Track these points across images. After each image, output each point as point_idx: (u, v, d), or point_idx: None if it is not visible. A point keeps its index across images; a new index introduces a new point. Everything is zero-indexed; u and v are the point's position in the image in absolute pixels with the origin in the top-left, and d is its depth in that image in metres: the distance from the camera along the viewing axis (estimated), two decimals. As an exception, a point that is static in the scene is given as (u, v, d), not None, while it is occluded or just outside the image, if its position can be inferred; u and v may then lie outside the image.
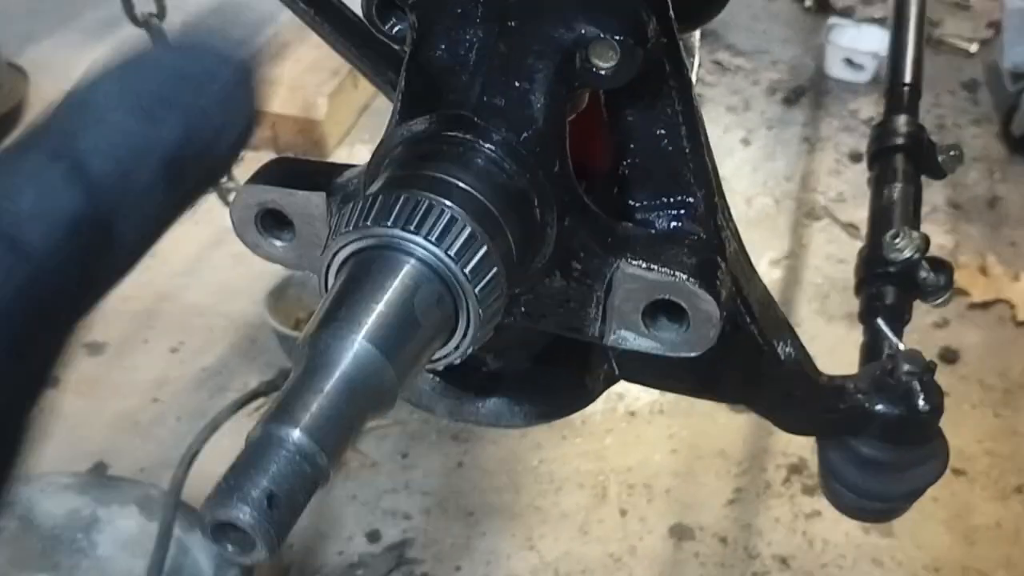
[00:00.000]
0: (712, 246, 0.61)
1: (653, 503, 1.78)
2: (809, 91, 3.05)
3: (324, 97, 2.73)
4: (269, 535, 0.39)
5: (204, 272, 2.35)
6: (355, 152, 2.79)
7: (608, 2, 0.55)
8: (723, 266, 0.59)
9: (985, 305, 2.18)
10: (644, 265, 0.57)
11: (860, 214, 2.56)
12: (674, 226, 0.61)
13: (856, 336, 2.04)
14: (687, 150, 0.61)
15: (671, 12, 0.58)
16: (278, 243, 0.64)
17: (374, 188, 0.54)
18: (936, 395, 0.69)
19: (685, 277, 0.56)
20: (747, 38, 3.24)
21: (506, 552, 1.72)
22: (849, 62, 3.08)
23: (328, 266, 0.52)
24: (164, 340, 2.15)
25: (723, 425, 1.89)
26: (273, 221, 0.63)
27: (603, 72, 0.55)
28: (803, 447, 1.85)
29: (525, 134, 0.55)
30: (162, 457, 1.85)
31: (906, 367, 0.70)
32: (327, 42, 0.90)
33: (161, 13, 1.51)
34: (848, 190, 2.63)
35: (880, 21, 3.31)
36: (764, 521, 1.74)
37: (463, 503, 1.79)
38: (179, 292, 2.27)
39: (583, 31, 0.54)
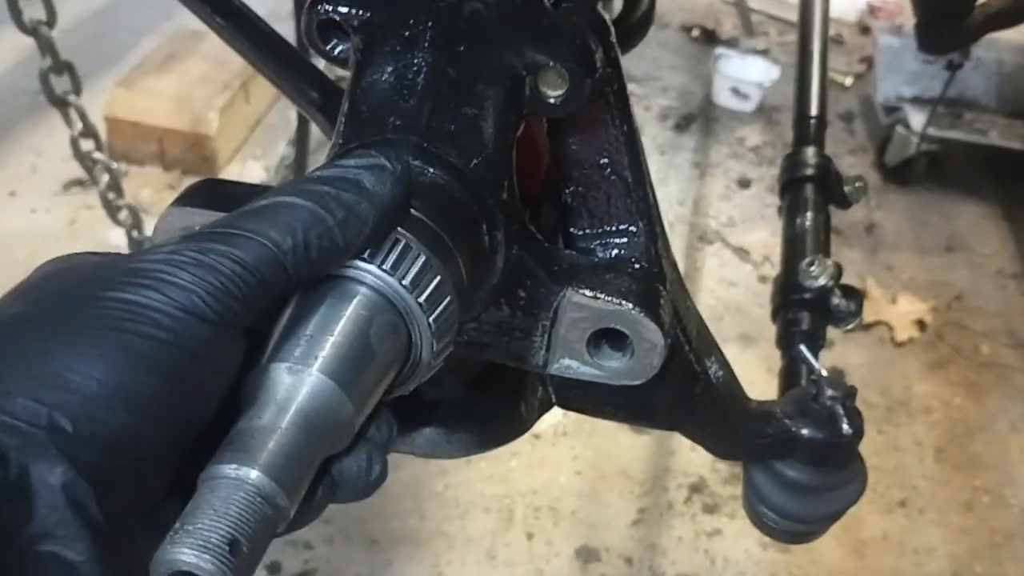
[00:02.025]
0: (653, 275, 0.61)
1: (559, 525, 1.79)
2: (698, 118, 3.15)
3: (215, 111, 2.64)
4: None
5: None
6: (247, 169, 2.72)
7: (558, 30, 0.55)
8: (665, 294, 0.59)
9: (866, 327, 2.29)
10: (590, 294, 0.57)
11: (750, 238, 2.66)
12: (616, 255, 0.62)
13: (749, 357, 2.10)
14: (629, 180, 0.61)
15: (615, 41, 0.59)
16: (206, 269, 0.61)
17: (320, 214, 0.52)
18: (858, 419, 0.72)
19: (631, 306, 0.56)
20: (638, 65, 3.32)
21: (411, 580, 1.69)
22: (735, 91, 3.20)
23: (275, 296, 0.50)
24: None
25: (625, 446, 1.91)
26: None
27: (552, 100, 0.55)
28: (702, 466, 1.89)
29: (475, 160, 0.54)
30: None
31: (829, 392, 0.72)
32: (245, 58, 0.87)
33: (51, 20, 1.44)
34: (738, 215, 2.72)
35: (763, 52, 3.46)
36: (667, 540, 1.77)
37: (366, 530, 1.75)
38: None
39: (533, 58, 0.54)
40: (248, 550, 0.38)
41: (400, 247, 0.48)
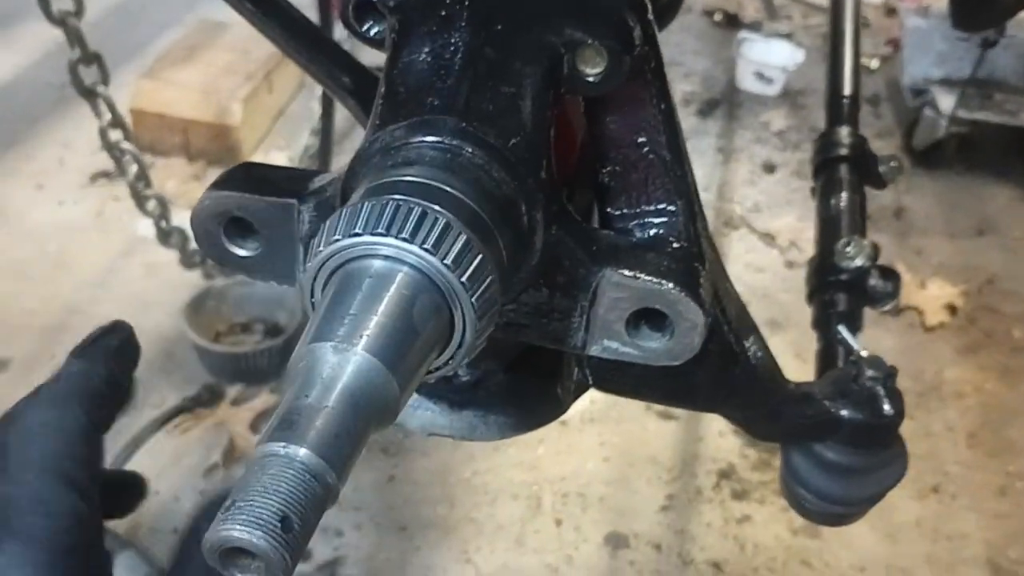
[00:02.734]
0: (692, 254, 0.60)
1: (587, 512, 1.78)
2: (722, 103, 3.13)
3: (238, 102, 2.65)
4: (284, 560, 0.37)
5: (115, 284, 2.26)
6: (270, 158, 2.73)
7: (596, 8, 0.54)
8: (704, 274, 0.59)
9: (896, 312, 2.26)
10: (630, 274, 0.56)
11: (776, 223, 2.64)
12: (654, 234, 0.61)
13: (777, 342, 2.09)
14: (668, 158, 0.60)
15: (652, 19, 0.58)
16: (243, 252, 0.61)
17: (359, 194, 0.52)
18: (899, 400, 0.71)
19: (671, 285, 0.56)
20: (661, 50, 3.29)
21: (441, 566, 1.69)
22: (759, 75, 3.16)
23: (314, 278, 0.49)
24: (73, 356, 2.05)
25: (653, 432, 1.91)
26: (238, 229, 0.60)
27: (590, 78, 0.54)
28: (731, 452, 1.88)
29: (513, 140, 0.53)
30: (75, 479, 1.76)
31: (869, 373, 0.71)
32: (276, 45, 0.87)
33: (79, 11, 1.44)
34: (764, 200, 2.70)
35: (787, 36, 3.42)
36: (696, 527, 1.77)
37: (396, 517, 1.76)
38: (88, 305, 2.17)
39: (571, 36, 0.53)
40: (299, 527, 0.38)
41: (441, 226, 0.47)
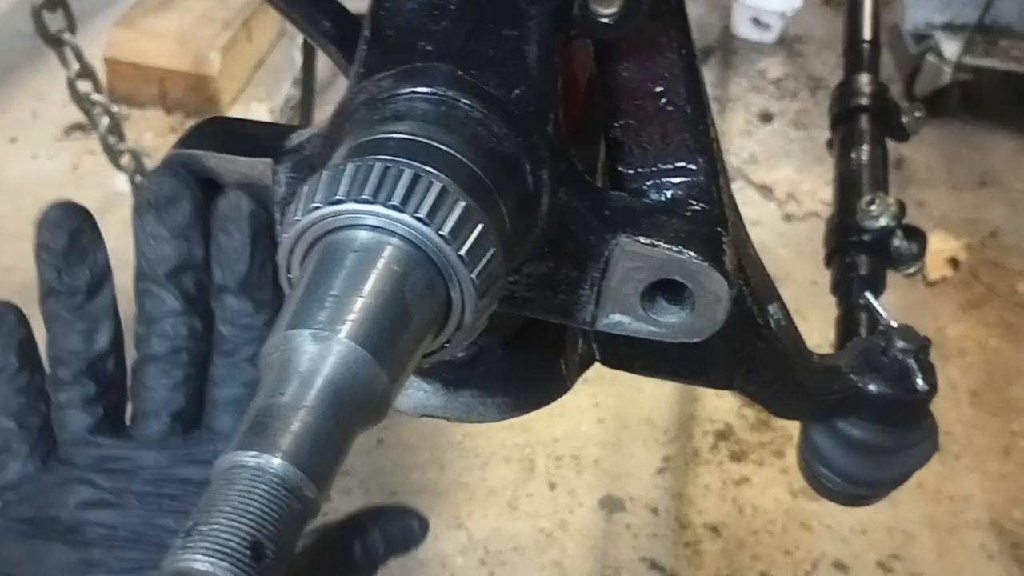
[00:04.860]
0: (714, 217, 0.54)
1: (582, 475, 1.74)
2: (717, 51, 3.05)
3: (216, 51, 2.56)
4: None
5: (93, 241, 2.18)
6: (251, 111, 2.64)
7: (610, -63, 0.47)
8: (728, 239, 0.52)
9: (921, 274, 2.21)
10: (646, 241, 0.50)
11: (773, 175, 2.58)
12: (672, 196, 0.55)
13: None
14: (688, 110, 0.54)
15: (672, -46, 0.51)
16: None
17: (341, 154, 0.45)
18: (932, 373, 0.65)
19: (692, 254, 0.50)
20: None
21: (433, 531, 1.65)
22: (756, 21, 3.08)
23: (291, 251, 0.43)
24: (51, 316, 1.98)
25: (649, 393, 1.86)
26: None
27: (604, 19, 0.47)
28: (729, 413, 1.84)
29: (517, 90, 0.47)
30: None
31: (900, 344, 0.66)
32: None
33: (72, 27, 1.37)
34: (760, 151, 2.63)
35: (785, -19, 3.33)
36: (694, 489, 1.73)
37: (385, 482, 1.72)
38: (66, 263, 2.11)
39: (582, -30, 0.47)
40: (274, 553, 0.32)
41: (436, 191, 0.41)
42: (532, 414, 1.94)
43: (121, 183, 2.10)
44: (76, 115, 2.27)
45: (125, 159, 1.74)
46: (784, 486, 1.72)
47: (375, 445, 1.76)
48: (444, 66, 0.46)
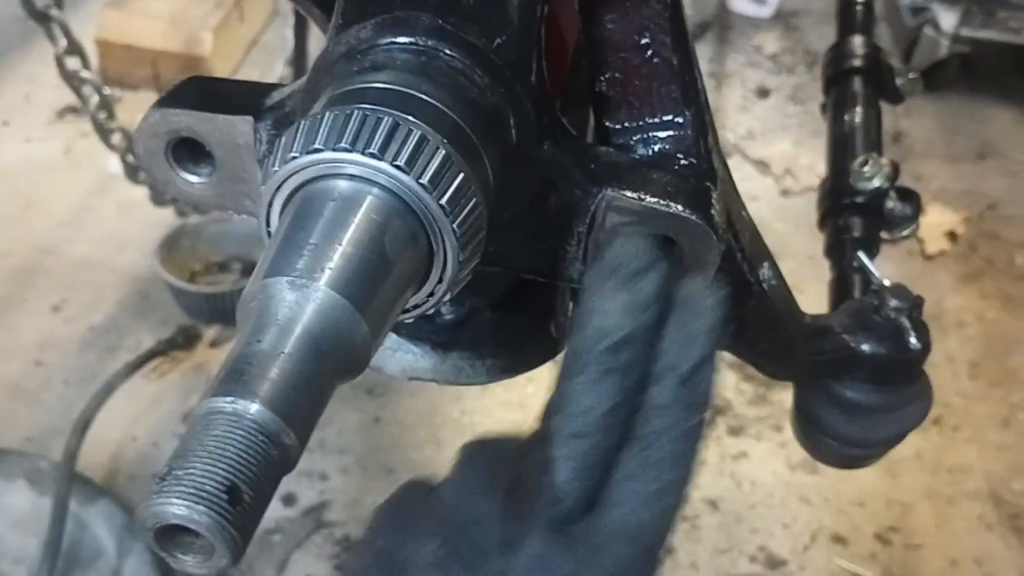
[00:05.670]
0: (703, 171, 0.53)
1: (580, 450, 1.74)
2: (713, 26, 3.02)
3: (209, 31, 2.54)
4: (232, 539, 0.31)
5: (88, 223, 2.17)
6: (246, 93, 2.62)
7: None
8: (716, 193, 0.52)
9: (894, 239, 2.20)
10: (633, 195, 0.49)
11: (770, 150, 2.56)
12: (659, 150, 0.54)
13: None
14: (675, 62, 0.53)
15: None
16: (194, 179, 0.53)
17: (320, 105, 0.45)
18: (925, 332, 0.65)
19: (680, 208, 0.49)
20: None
21: (431, 508, 1.65)
22: (753, -3, 3.06)
23: (270, 202, 0.42)
24: (46, 298, 1.98)
25: (646, 368, 1.85)
26: (188, 153, 0.53)
27: (587, -34, 0.47)
28: (726, 388, 1.84)
29: (498, 40, 0.46)
30: (50, 425, 1.71)
31: (893, 303, 0.65)
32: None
33: (59, 2, 1.36)
34: (757, 126, 2.62)
35: (781, -45, 3.30)
36: (692, 463, 1.72)
37: (382, 460, 1.71)
38: (61, 245, 2.10)
39: (564, -85, 0.46)
40: (251, 498, 0.32)
41: (416, 139, 0.40)
42: (530, 391, 1.92)
43: (115, 165, 2.09)
44: (68, 98, 2.25)
45: (116, 137, 1.73)
46: (782, 459, 1.72)
47: (373, 423, 1.75)
48: (424, 15, 0.45)
